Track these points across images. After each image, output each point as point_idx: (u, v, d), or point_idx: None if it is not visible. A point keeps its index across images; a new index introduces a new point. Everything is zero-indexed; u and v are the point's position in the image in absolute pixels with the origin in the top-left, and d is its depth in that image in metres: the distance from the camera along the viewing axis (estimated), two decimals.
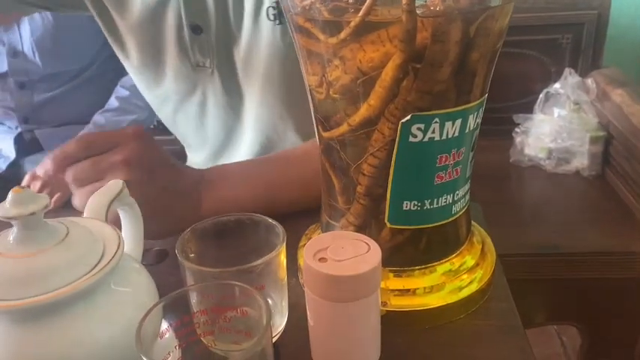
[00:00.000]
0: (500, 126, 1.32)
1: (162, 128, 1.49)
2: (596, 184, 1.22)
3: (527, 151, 1.27)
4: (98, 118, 1.15)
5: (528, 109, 1.30)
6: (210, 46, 0.74)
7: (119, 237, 0.39)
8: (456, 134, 0.43)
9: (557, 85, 1.27)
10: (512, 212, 1.16)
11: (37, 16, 1.09)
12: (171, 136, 1.53)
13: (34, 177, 1.06)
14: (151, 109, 1.20)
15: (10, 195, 0.35)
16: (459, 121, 0.43)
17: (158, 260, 0.61)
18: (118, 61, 1.27)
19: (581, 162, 1.23)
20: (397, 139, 0.42)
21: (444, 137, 0.43)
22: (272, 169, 0.64)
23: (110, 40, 0.80)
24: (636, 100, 1.16)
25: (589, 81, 1.26)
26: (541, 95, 1.28)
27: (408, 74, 0.40)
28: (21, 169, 1.21)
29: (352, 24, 0.38)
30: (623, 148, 1.15)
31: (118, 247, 0.38)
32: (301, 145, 0.69)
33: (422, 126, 0.42)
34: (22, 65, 1.13)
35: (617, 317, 1.06)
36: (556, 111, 1.25)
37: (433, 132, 0.42)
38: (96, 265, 0.37)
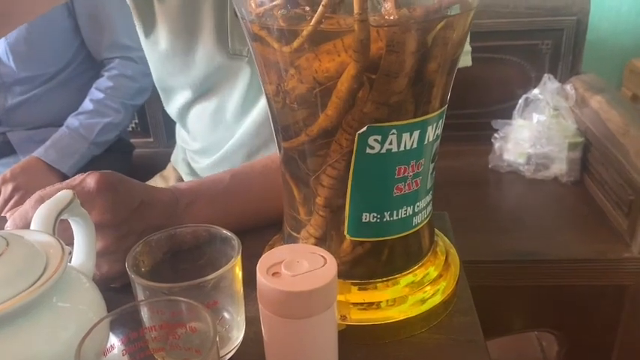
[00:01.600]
0: (479, 131, 1.32)
1: (139, 130, 1.49)
2: (575, 190, 1.22)
3: (506, 156, 1.28)
4: (72, 120, 1.13)
5: (508, 114, 1.30)
6: None
7: (63, 250, 0.38)
8: (415, 146, 0.42)
9: (536, 91, 1.27)
10: (490, 218, 1.16)
11: None
12: (150, 139, 1.52)
13: (5, 180, 1.05)
14: (126, 111, 1.19)
15: None
16: (417, 133, 0.42)
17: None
18: (94, 64, 1.25)
19: (559, 168, 1.23)
20: (354, 151, 0.41)
21: (402, 149, 0.42)
22: (238, 184, 0.63)
23: (139, 25, 0.80)
24: (613, 106, 1.16)
25: (568, 87, 1.26)
26: (520, 101, 1.28)
27: (364, 85, 0.39)
28: None
29: (304, 33, 0.37)
30: (600, 155, 1.15)
31: (61, 261, 0.37)
32: (260, 159, 0.67)
33: (379, 137, 0.41)
34: None
35: (592, 324, 1.06)
36: (535, 116, 1.25)
37: (390, 143, 0.41)
38: (37, 280, 0.36)
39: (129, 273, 0.41)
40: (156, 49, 0.81)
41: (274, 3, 0.39)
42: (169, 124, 1.47)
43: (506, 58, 1.36)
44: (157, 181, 1.02)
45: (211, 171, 0.85)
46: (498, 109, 1.36)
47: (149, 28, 0.79)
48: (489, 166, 1.30)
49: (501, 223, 1.14)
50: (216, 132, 0.85)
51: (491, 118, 1.32)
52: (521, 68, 1.37)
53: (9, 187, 1.04)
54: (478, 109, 1.38)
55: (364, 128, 0.40)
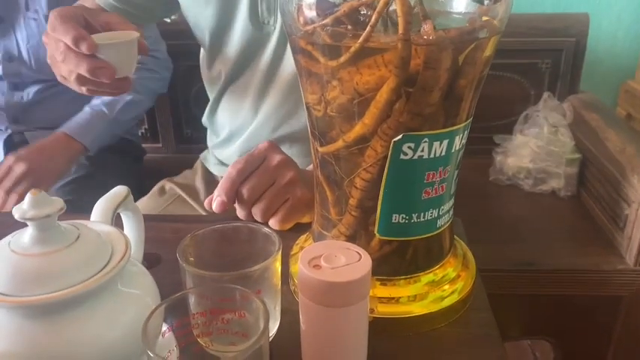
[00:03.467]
0: (481, 145, 1.36)
1: (149, 135, 1.52)
2: (571, 204, 1.26)
3: (507, 170, 1.32)
4: (94, 101, 1.15)
5: (508, 129, 1.35)
6: (275, 2, 0.80)
7: (126, 240, 0.41)
8: (443, 153, 0.46)
9: (535, 108, 1.32)
10: (490, 229, 1.20)
11: (32, 23, 1.10)
12: (159, 144, 1.55)
13: (19, 158, 1.01)
14: (147, 93, 1.21)
15: (27, 197, 0.37)
16: (446, 142, 0.46)
17: (152, 265, 0.63)
18: None
19: (557, 182, 1.27)
20: (389, 156, 0.45)
21: (432, 156, 0.46)
22: None
23: (190, 16, 0.88)
24: (610, 125, 1.22)
25: (566, 105, 1.31)
26: (520, 117, 1.33)
27: (401, 97, 0.43)
28: None
29: (352, 49, 0.41)
30: (597, 171, 1.19)
31: (126, 250, 0.40)
32: None
33: (412, 145, 0.45)
34: (17, 68, 1.14)
35: (587, 333, 1.10)
36: (534, 132, 1.29)
37: (422, 151, 0.45)
38: (105, 267, 0.39)
39: (180, 263, 0.45)
40: (200, 33, 0.89)
41: (322, 22, 0.43)
42: (178, 130, 1.50)
43: (507, 75, 1.41)
44: (185, 174, 1.07)
45: (239, 155, 0.93)
46: (499, 125, 1.41)
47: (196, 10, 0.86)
48: (490, 178, 1.34)
49: (501, 234, 1.18)
50: (241, 111, 0.92)
51: (492, 133, 1.36)
52: (521, 86, 1.42)
53: (21, 167, 0.99)
54: (480, 123, 1.41)
55: (400, 136, 0.44)
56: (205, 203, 0.65)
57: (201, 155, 1.08)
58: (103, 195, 0.48)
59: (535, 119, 1.31)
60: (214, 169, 1.03)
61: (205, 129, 1.07)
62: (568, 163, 1.26)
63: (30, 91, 1.18)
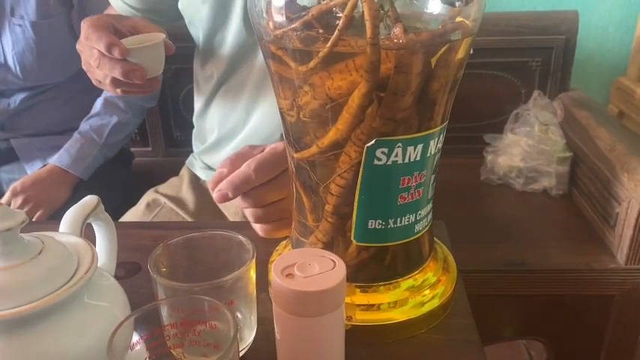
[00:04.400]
0: (471, 145, 1.36)
1: (138, 139, 1.51)
2: (563, 202, 1.26)
3: (498, 169, 1.31)
4: (83, 126, 1.15)
5: (499, 128, 1.34)
6: None
7: (93, 252, 0.41)
8: (418, 158, 0.46)
9: (526, 107, 1.31)
10: (482, 229, 1.19)
11: (17, 29, 1.09)
12: (148, 148, 1.55)
13: (15, 193, 1.06)
14: (133, 111, 1.21)
15: None
16: (420, 146, 0.45)
17: (131, 273, 0.62)
18: None
19: (548, 181, 1.27)
20: (362, 162, 0.45)
21: (406, 161, 0.45)
22: None
23: (186, 14, 0.90)
24: (600, 123, 1.21)
25: (557, 103, 1.31)
26: (511, 116, 1.32)
27: (373, 102, 0.42)
28: None
29: (320, 54, 0.41)
30: (588, 170, 1.19)
31: (92, 262, 0.40)
32: None
33: (385, 150, 0.44)
34: (3, 75, 1.13)
35: (580, 333, 1.10)
36: (525, 131, 1.29)
37: (396, 156, 0.45)
38: (70, 279, 0.38)
39: (151, 274, 0.44)
40: (198, 33, 0.90)
41: (292, 26, 0.42)
42: (168, 134, 1.50)
43: (497, 74, 1.41)
44: (172, 182, 1.06)
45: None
46: (489, 124, 1.40)
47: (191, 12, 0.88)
48: (481, 178, 1.33)
49: (492, 234, 1.17)
50: (233, 115, 0.92)
51: (482, 132, 1.36)
52: (511, 84, 1.42)
53: (19, 200, 1.05)
54: (470, 123, 1.42)
55: (372, 141, 0.44)
56: (210, 184, 0.63)
57: (187, 161, 1.08)
58: None
59: (526, 118, 1.30)
60: (201, 174, 1.03)
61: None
62: (559, 162, 1.25)
63: (16, 99, 1.17)
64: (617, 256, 1.05)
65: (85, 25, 0.73)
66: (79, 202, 0.46)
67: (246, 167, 0.58)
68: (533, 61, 1.39)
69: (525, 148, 1.27)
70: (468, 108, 1.35)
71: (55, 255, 0.39)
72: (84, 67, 0.79)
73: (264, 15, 0.44)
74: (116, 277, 0.52)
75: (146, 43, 0.73)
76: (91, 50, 0.72)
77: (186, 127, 1.11)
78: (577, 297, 1.07)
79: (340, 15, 0.41)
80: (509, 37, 1.37)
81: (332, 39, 0.39)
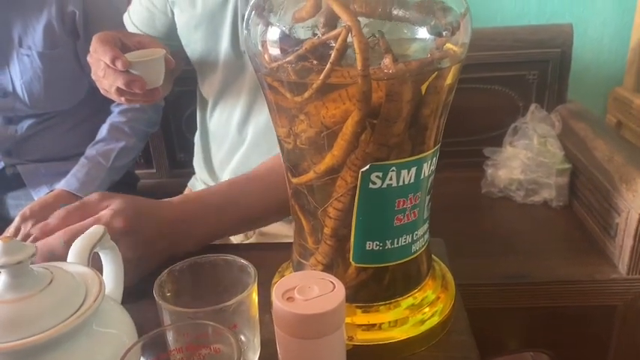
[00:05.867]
0: (471, 158, 1.38)
1: (142, 161, 1.53)
2: (564, 214, 1.27)
3: (498, 182, 1.33)
4: (89, 151, 1.17)
5: (498, 142, 1.36)
6: None
7: (100, 280, 0.42)
8: (412, 181, 0.47)
9: (523, 120, 1.33)
10: (484, 242, 1.20)
11: (25, 59, 1.12)
12: (153, 169, 1.57)
13: (25, 218, 1.07)
14: (137, 136, 1.23)
15: None
16: (414, 169, 0.47)
17: (137, 298, 0.63)
18: (106, 102, 1.31)
19: (548, 193, 1.28)
20: (358, 186, 0.46)
21: (400, 184, 0.47)
22: (243, 192, 0.72)
23: (182, 37, 0.95)
24: (598, 134, 1.22)
25: (554, 115, 1.32)
26: (509, 129, 1.34)
27: (366, 129, 0.44)
28: (3, 205, 1.23)
29: (314, 86, 0.42)
30: (587, 181, 1.20)
31: (100, 291, 0.41)
32: (263, 163, 0.78)
33: (380, 174, 0.46)
34: (11, 103, 1.15)
35: (584, 344, 1.10)
36: (524, 144, 1.30)
37: (390, 179, 0.46)
38: (79, 308, 0.40)
39: (157, 300, 0.45)
40: (192, 54, 0.94)
41: (287, 59, 0.44)
42: (171, 155, 1.52)
43: (495, 88, 1.42)
44: None
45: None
46: (489, 137, 1.42)
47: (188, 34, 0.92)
48: (482, 191, 1.35)
49: (494, 247, 1.18)
50: (227, 136, 0.95)
51: (482, 146, 1.37)
52: (509, 98, 1.43)
53: (28, 225, 1.06)
54: (469, 137, 1.43)
55: (367, 166, 0.45)
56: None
57: (189, 183, 1.09)
58: None
59: (524, 131, 1.32)
60: None
61: None
62: (558, 174, 1.26)
63: (23, 125, 1.19)
64: (618, 267, 1.06)
65: (94, 40, 0.80)
66: (86, 233, 0.47)
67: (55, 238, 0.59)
68: (530, 74, 1.41)
69: (525, 160, 1.29)
70: (466, 122, 1.38)
71: (64, 285, 0.40)
72: (93, 77, 0.85)
73: (260, 48, 0.46)
74: (123, 302, 0.54)
75: (147, 58, 0.79)
76: (98, 62, 0.79)
77: (190, 148, 1.13)
78: (580, 308, 1.08)
79: (334, 45, 0.43)
80: (506, 52, 1.39)
81: (324, 72, 0.41)
